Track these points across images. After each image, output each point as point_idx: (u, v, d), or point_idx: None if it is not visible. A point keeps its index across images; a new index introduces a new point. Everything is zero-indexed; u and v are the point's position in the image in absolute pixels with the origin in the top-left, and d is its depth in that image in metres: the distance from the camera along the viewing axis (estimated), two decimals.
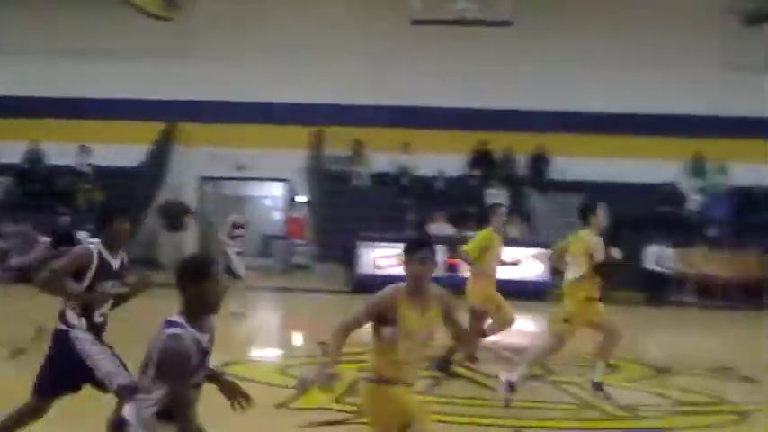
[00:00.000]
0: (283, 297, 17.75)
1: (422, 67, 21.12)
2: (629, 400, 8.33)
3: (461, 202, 20.31)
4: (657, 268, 17.42)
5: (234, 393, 4.17)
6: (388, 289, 4.76)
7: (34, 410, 5.47)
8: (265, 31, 21.36)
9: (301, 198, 21.72)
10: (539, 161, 21.51)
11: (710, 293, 17.93)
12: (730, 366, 10.36)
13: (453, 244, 12.11)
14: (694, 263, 17.89)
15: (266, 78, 20.91)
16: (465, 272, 17.53)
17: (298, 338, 13.37)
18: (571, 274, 8.14)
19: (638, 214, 18.93)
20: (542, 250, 17.46)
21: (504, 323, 9.87)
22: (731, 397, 8.80)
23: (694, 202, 20.47)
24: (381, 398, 4.73)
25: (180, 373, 3.74)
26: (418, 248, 4.78)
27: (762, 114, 20.50)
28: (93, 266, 5.41)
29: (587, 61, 21.00)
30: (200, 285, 3.82)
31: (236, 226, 14.24)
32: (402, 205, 19.89)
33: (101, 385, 5.36)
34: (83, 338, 5.40)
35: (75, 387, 5.49)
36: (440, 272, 19.03)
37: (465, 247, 9.83)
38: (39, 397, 5.41)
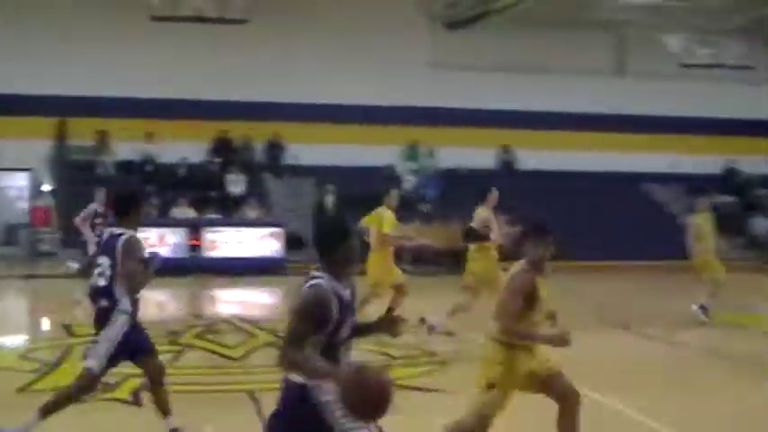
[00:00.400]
0: (29, 284, 17.63)
1: (164, 60, 21.64)
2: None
3: (203, 187, 21.41)
4: None
5: (391, 324, 4.35)
6: (523, 273, 5.25)
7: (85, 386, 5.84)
8: (4, 20, 21.10)
9: (46, 187, 21.77)
10: (274, 148, 22.80)
11: (424, 261, 20.61)
12: (437, 323, 11.24)
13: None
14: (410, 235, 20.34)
15: (7, 69, 20.66)
16: (207, 252, 18.80)
17: (43, 324, 13.45)
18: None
19: (361, 194, 20.95)
20: (277, 229, 19.20)
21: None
22: (436, 349, 10.14)
23: (409, 182, 22.69)
24: (519, 359, 5.19)
25: (311, 313, 3.87)
26: (547, 233, 5.25)
27: (464, 106, 23.40)
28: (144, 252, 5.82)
29: (317, 55, 22.67)
30: (345, 242, 4.04)
31: (97, 215, 13.41)
32: (146, 191, 20.40)
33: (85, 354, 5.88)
34: (120, 321, 5.79)
35: (138, 352, 5.94)
36: (183, 252, 20.16)
37: (385, 229, 10.94)
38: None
